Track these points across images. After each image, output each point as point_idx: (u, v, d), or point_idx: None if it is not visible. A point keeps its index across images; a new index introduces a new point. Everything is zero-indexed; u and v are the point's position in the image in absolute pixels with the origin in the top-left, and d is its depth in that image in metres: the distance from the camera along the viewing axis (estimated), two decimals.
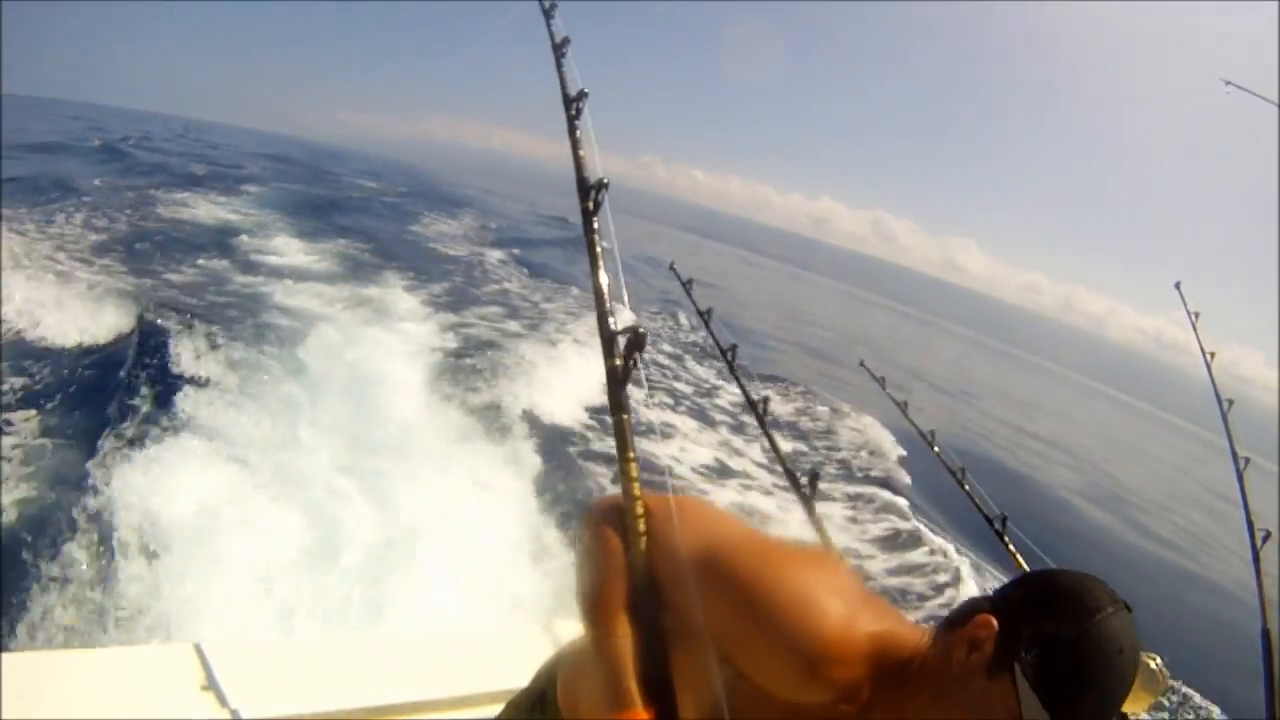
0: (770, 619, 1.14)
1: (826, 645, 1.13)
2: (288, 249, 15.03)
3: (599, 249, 1.32)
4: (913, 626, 1.23)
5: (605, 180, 1.32)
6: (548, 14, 1.62)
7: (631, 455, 1.24)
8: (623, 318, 1.26)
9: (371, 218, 22.49)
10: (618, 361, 1.24)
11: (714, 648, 1.16)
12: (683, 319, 16.11)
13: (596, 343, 1.25)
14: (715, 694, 1.16)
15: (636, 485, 1.24)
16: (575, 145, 1.40)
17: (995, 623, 1.09)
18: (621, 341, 1.24)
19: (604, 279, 1.31)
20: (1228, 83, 4.00)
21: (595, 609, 1.26)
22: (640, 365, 1.23)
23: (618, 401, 1.24)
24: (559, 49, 1.55)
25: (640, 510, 1.23)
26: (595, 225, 1.33)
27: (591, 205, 1.33)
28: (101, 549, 4.64)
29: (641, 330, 1.21)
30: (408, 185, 38.60)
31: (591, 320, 1.34)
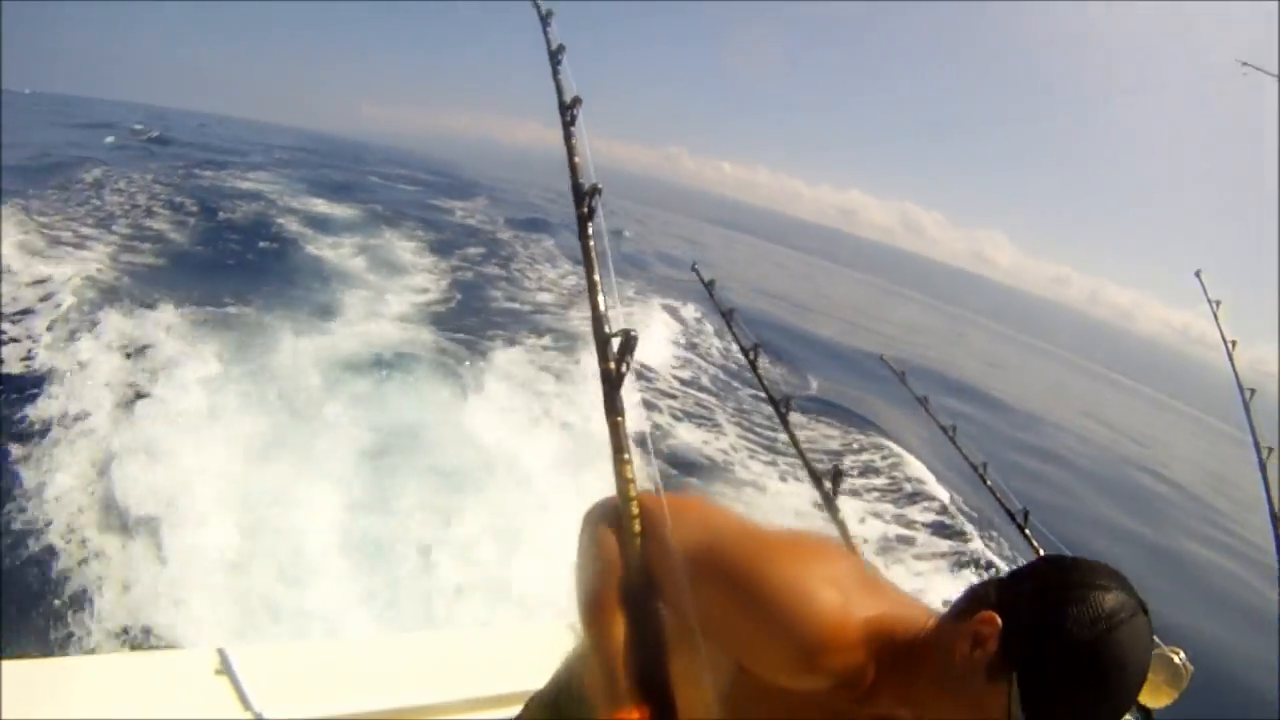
0: (764, 611, 1.15)
1: (821, 633, 1.13)
2: (320, 216, 16.05)
3: (593, 253, 1.34)
4: (918, 606, 1.23)
5: (599, 186, 1.35)
6: (544, 21, 1.64)
7: (626, 456, 1.26)
8: (615, 321, 1.28)
9: (396, 201, 23.19)
10: (611, 364, 1.26)
11: (713, 643, 1.17)
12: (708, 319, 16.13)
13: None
14: (718, 690, 1.17)
15: (632, 486, 1.25)
16: (570, 152, 1.42)
17: (999, 621, 1.06)
18: (615, 344, 1.26)
19: (598, 283, 1.33)
20: (1244, 63, 3.90)
21: (591, 609, 1.28)
22: (629, 367, 1.24)
23: (612, 404, 1.26)
24: (555, 56, 1.58)
25: (635, 510, 1.25)
26: (590, 230, 1.36)
27: (586, 210, 1.35)
28: (122, 543, 4.62)
29: (633, 334, 1.23)
30: (431, 175, 39.22)
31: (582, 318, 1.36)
